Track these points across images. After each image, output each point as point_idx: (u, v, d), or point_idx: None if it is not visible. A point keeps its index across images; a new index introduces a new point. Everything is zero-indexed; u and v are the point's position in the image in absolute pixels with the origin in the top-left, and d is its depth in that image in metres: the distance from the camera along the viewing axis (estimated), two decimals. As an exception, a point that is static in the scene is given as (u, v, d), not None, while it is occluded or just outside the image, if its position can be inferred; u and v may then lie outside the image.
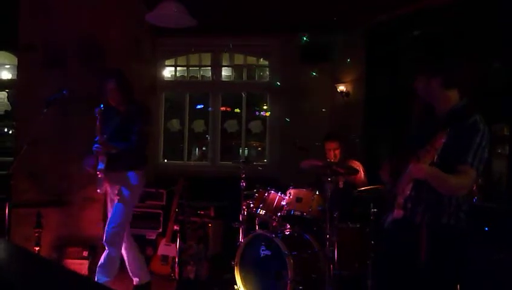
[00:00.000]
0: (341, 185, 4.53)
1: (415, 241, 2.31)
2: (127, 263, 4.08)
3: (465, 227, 2.32)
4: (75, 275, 1.23)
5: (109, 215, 3.97)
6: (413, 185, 2.34)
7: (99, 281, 3.80)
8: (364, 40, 6.03)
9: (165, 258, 4.74)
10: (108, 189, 3.99)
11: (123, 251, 4.01)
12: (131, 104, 3.93)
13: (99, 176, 3.72)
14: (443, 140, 2.12)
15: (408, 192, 2.35)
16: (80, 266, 4.66)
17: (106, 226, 3.87)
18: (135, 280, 4.10)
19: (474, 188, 3.64)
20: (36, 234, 4.37)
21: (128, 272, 4.12)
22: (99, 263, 3.91)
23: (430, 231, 2.30)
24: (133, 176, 3.89)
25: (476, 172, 2.22)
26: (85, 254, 4.72)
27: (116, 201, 3.90)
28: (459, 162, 2.21)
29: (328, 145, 4.67)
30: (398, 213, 2.40)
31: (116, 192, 3.91)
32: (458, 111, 2.32)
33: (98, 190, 3.80)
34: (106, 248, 3.88)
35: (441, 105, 2.39)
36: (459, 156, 2.21)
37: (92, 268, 4.72)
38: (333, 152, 4.64)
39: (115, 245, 3.85)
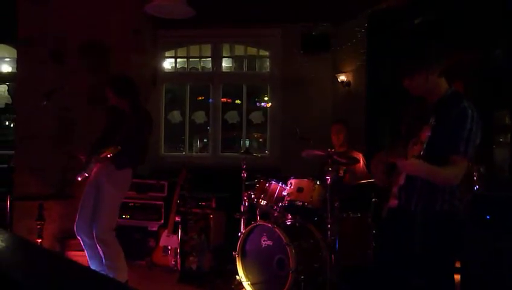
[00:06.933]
0: (341, 173, 4.60)
1: (411, 229, 2.33)
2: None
3: (460, 214, 2.34)
4: (77, 265, 1.23)
5: (81, 203, 3.84)
6: (406, 174, 2.36)
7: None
8: (365, 28, 5.98)
9: (166, 249, 4.77)
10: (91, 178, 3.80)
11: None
12: (136, 110, 3.80)
13: (79, 178, 3.68)
14: (428, 133, 2.13)
15: (402, 182, 2.36)
16: (83, 258, 4.67)
17: (95, 224, 3.70)
18: None
19: (475, 177, 3.63)
20: (38, 227, 4.38)
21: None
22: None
23: (425, 218, 2.31)
24: (115, 172, 3.73)
25: (467, 160, 2.24)
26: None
27: (99, 194, 3.75)
28: (452, 153, 2.21)
29: (334, 128, 4.91)
30: (393, 203, 2.43)
31: (98, 183, 3.75)
32: (445, 99, 2.32)
33: (79, 178, 3.69)
34: (98, 246, 3.73)
35: (431, 95, 2.38)
36: (451, 146, 2.21)
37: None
38: (337, 136, 4.85)
39: (107, 243, 3.72)
